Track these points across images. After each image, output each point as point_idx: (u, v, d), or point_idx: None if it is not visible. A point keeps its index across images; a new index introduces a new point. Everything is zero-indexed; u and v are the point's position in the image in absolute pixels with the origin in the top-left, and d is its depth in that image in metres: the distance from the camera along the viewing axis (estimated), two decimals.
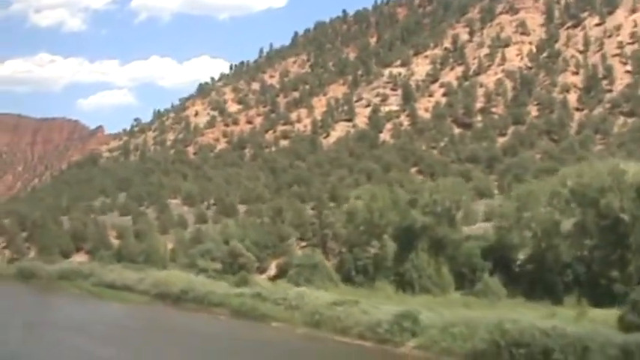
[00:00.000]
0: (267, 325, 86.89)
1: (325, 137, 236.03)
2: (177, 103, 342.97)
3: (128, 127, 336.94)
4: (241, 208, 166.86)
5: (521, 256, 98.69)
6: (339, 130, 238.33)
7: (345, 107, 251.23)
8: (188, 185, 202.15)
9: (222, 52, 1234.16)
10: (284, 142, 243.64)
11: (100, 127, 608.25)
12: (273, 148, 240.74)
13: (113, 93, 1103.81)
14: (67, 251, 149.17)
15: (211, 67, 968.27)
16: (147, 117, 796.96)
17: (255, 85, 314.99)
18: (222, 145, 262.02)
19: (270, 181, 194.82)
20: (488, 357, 63.83)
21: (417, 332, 72.18)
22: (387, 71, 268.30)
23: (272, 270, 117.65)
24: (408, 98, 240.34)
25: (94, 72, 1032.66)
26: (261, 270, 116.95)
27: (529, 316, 66.69)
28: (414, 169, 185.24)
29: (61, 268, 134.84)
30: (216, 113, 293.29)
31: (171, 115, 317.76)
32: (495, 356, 63.17)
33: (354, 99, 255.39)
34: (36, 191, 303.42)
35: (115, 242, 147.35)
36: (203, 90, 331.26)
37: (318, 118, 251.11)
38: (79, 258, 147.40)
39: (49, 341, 74.48)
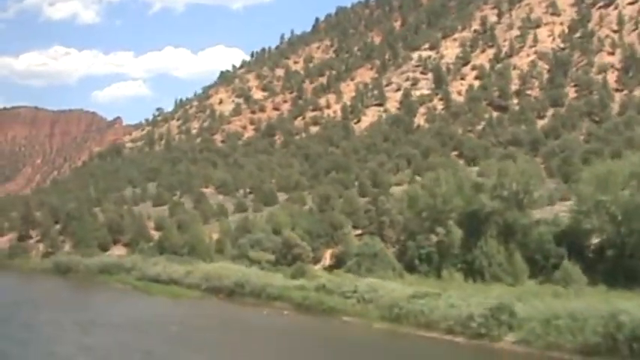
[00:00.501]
0: (338, 320, 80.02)
1: (356, 123, 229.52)
2: (199, 91, 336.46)
3: (150, 117, 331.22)
4: (280, 196, 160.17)
5: (594, 241, 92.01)
6: (370, 116, 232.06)
7: (375, 92, 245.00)
8: (220, 174, 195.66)
9: (238, 42, 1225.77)
10: (314, 129, 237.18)
11: (118, 119, 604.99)
12: (304, 135, 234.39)
13: (128, 84, 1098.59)
14: (104, 244, 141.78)
15: (227, 57, 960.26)
16: (163, 107, 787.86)
17: (279, 72, 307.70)
18: (249, 132, 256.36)
19: (305, 168, 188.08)
20: (603, 352, 57.04)
21: (514, 326, 65.42)
22: (415, 55, 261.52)
23: (326, 260, 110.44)
24: (439, 82, 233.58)
25: (108, 64, 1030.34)
26: (315, 260, 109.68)
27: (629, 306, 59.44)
28: (453, 154, 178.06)
29: (101, 262, 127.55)
30: (241, 101, 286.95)
31: (195, 103, 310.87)
32: (612, 351, 56.47)
33: (384, 83, 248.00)
34: (59, 183, 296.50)
35: (154, 234, 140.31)
36: (226, 78, 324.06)
37: (348, 103, 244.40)
38: (118, 251, 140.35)
39: (120, 343, 67.36)
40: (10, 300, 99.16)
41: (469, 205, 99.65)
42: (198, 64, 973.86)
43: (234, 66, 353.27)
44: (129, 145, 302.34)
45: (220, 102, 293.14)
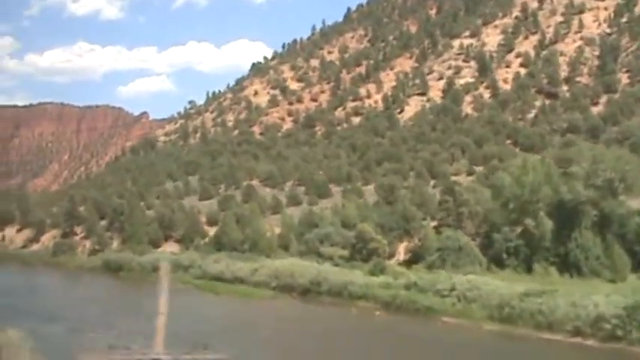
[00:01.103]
0: (437, 321, 72.68)
1: (400, 112, 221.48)
2: (231, 84, 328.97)
3: (182, 111, 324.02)
4: (332, 188, 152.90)
5: None
6: (414, 105, 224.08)
7: (417, 81, 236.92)
8: (264, 166, 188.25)
9: (261, 35, 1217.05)
10: (356, 119, 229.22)
11: (144, 113, 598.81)
12: (345, 125, 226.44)
13: (152, 80, 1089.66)
14: (155, 240, 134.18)
15: (250, 50, 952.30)
16: (187, 101, 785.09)
17: (314, 62, 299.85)
18: (287, 124, 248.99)
19: (353, 159, 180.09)
20: None
21: None
22: (456, 43, 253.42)
23: (400, 255, 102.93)
24: (484, 69, 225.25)
25: (132, 59, 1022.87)
26: (389, 255, 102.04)
27: None
28: (507, 142, 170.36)
29: (155, 260, 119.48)
30: (276, 92, 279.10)
31: (229, 95, 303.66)
32: None
33: (425, 72, 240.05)
34: (92, 178, 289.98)
35: (207, 229, 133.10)
36: (260, 69, 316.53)
37: (389, 93, 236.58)
38: (170, 247, 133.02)
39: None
40: (71, 302, 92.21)
41: (558, 195, 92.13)
42: (221, 58, 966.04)
43: (265, 58, 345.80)
44: (162, 138, 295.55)
45: (255, 94, 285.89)
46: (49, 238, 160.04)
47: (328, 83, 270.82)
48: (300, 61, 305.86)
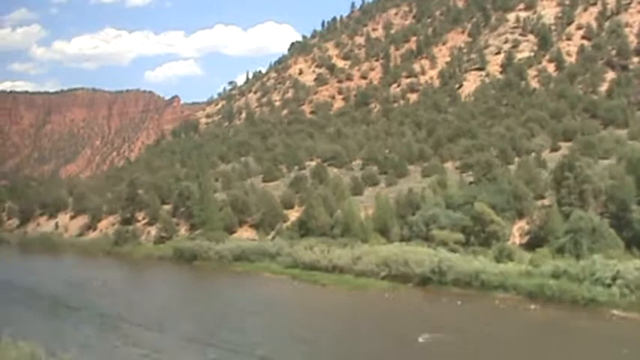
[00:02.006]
0: (605, 314, 61.69)
1: (459, 88, 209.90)
2: (259, 68, 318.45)
3: (222, 92, 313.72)
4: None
5: None
6: (472, 81, 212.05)
7: (472, 56, 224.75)
8: (324, 145, 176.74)
9: (288, 17, 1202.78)
10: (411, 96, 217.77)
11: (175, 97, 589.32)
12: (402, 102, 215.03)
13: (180, 64, 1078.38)
14: (229, 226, 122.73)
15: (277, 33, 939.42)
16: (215, 86, 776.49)
17: (359, 40, 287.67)
18: (338, 102, 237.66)
19: (420, 136, 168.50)
20: None
21: None
22: (511, 16, 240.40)
23: (515, 237, 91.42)
24: (545, 43, 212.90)
25: (159, 44, 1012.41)
26: (503, 238, 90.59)
27: None
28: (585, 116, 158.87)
29: (237, 247, 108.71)
30: (322, 70, 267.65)
31: (272, 75, 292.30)
32: None
33: (481, 46, 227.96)
34: (133, 162, 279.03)
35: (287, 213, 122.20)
36: (305, 47, 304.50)
37: (443, 68, 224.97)
38: (245, 233, 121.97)
39: None
40: (171, 304, 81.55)
41: None
42: (248, 42, 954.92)
43: (304, 36, 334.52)
44: (203, 120, 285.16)
45: (300, 72, 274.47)
46: (106, 225, 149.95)
47: (377, 60, 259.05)
48: (344, 38, 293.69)
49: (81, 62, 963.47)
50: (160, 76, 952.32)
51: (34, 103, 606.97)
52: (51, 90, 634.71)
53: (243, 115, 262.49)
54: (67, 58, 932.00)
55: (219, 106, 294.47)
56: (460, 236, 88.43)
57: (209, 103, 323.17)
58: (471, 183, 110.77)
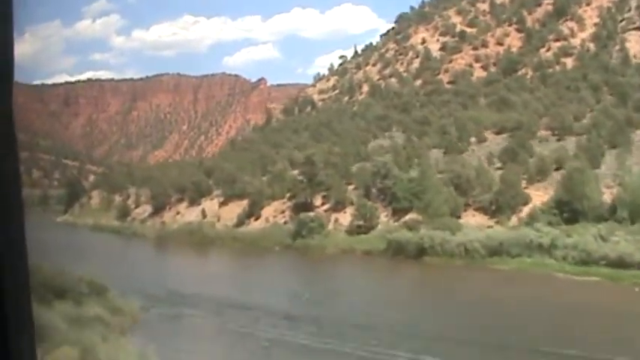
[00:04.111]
0: None
1: (619, 50, 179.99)
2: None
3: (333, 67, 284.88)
4: None
5: None
6: (634, 41, 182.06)
7: (626, 15, 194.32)
8: (495, 116, 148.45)
9: None
10: (566, 60, 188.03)
11: (262, 79, 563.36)
12: (557, 68, 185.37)
13: (258, 48, 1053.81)
14: (452, 210, 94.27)
15: (354, 15, 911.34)
16: (292, 68, 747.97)
17: (482, 6, 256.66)
18: (477, 70, 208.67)
19: (606, 103, 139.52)
20: None
21: None
22: None
23: None
24: None
25: (237, 29, 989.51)
26: None
27: None
28: None
29: (487, 237, 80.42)
30: (446, 39, 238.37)
31: (391, 46, 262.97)
32: None
33: (634, 5, 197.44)
34: (242, 142, 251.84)
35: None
36: (425, 16, 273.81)
37: (594, 30, 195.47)
38: (473, 219, 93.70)
39: None
40: None
41: None
42: (325, 24, 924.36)
43: (411, 7, 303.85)
44: (316, 97, 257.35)
45: (423, 42, 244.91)
46: (271, 213, 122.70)
47: (509, 25, 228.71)
48: (465, 5, 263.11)
49: (160, 50, 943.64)
50: (238, 61, 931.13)
51: (119, 90, 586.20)
52: (135, 77, 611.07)
53: (364, 88, 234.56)
54: (146, 46, 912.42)
55: (331, 81, 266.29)
56: None
57: (319, 79, 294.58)
58: None
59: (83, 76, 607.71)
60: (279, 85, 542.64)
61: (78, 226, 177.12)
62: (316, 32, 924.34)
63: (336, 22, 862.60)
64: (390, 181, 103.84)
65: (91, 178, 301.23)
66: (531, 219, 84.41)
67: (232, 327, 58.03)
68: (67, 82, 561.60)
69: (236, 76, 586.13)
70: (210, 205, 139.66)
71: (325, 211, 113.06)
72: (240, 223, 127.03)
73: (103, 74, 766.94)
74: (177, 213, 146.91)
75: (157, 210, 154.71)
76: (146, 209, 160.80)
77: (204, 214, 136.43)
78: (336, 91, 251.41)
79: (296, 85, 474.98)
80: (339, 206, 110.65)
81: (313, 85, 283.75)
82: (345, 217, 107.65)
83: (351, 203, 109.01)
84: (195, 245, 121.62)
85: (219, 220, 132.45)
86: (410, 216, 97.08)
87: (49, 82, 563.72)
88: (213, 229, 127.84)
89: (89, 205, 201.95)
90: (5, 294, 3.51)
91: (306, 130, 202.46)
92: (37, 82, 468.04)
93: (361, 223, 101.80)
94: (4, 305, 3.50)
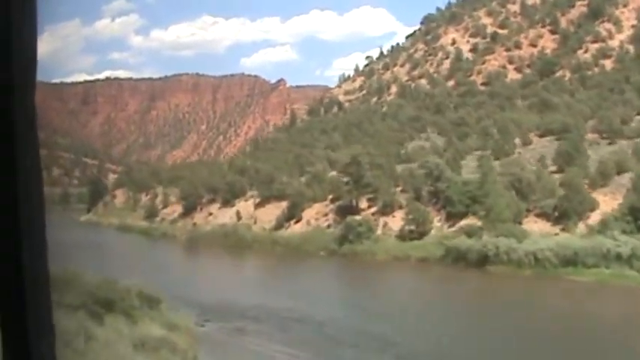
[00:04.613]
0: None
1: None
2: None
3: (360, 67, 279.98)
4: None
5: None
6: None
7: None
8: (537, 118, 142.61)
9: (383, 2, 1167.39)
10: (605, 62, 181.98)
11: (281, 80, 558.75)
12: (596, 70, 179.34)
13: (276, 50, 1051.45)
14: (514, 216, 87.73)
15: (372, 17, 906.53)
16: (310, 70, 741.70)
17: (512, 7, 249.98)
18: (511, 72, 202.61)
19: None
20: None
21: None
22: None
23: None
24: None
25: (255, 30, 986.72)
26: None
27: None
28: None
29: (558, 246, 74.04)
30: (476, 40, 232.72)
31: (420, 46, 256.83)
32: None
33: None
34: (264, 143, 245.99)
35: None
36: (455, 16, 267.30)
37: (634, 32, 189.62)
38: (535, 225, 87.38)
39: None
40: None
41: None
42: (344, 26, 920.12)
43: (438, 8, 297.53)
44: (342, 97, 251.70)
45: (454, 42, 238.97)
46: (313, 215, 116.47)
47: (543, 27, 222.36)
48: (495, 6, 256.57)
49: (178, 50, 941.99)
50: (256, 62, 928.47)
51: (137, 89, 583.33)
52: (154, 76, 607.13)
53: (393, 89, 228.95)
54: (165, 46, 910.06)
55: (357, 82, 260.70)
56: None
57: (344, 80, 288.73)
58: None
59: (102, 75, 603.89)
60: (298, 87, 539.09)
61: (103, 226, 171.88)
62: (334, 34, 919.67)
63: (354, 24, 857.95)
64: (444, 183, 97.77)
65: (110, 176, 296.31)
66: (604, 226, 78.19)
67: (313, 346, 51.24)
68: (85, 81, 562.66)
69: (255, 76, 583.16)
70: (245, 206, 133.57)
71: (372, 214, 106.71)
72: (279, 225, 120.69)
73: (122, 73, 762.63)
74: (210, 214, 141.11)
75: (188, 211, 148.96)
76: (175, 209, 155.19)
77: (238, 216, 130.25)
78: (364, 92, 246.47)
79: (315, 87, 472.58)
80: (387, 209, 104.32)
81: (338, 86, 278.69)
82: (395, 222, 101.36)
83: (400, 207, 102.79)
84: (231, 248, 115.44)
85: (255, 222, 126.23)
86: (466, 221, 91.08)
87: (68, 80, 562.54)
88: (249, 232, 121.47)
89: (113, 204, 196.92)
90: (26, 296, 3.41)
91: (335, 130, 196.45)
92: (56, 80, 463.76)
93: (413, 227, 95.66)
94: (24, 308, 3.41)
